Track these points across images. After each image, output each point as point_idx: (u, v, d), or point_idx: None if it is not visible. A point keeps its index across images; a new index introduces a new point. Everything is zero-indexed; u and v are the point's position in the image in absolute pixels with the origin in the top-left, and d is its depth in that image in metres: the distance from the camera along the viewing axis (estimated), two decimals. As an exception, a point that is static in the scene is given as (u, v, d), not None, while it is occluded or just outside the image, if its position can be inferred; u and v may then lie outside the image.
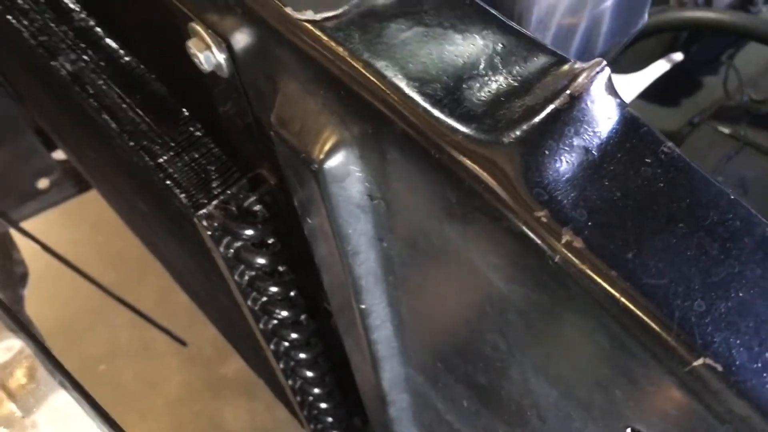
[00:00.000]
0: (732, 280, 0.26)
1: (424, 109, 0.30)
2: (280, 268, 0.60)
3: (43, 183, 1.43)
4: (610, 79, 0.29)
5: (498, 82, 0.30)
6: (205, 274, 0.72)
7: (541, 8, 0.39)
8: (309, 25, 0.33)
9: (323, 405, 0.81)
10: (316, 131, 0.37)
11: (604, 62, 0.29)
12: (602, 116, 0.29)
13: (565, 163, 0.28)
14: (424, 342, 0.50)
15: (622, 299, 0.26)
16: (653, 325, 0.26)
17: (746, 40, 1.26)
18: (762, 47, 0.98)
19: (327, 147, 0.36)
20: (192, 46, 0.43)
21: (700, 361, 0.25)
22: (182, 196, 0.53)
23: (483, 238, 0.31)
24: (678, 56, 1.25)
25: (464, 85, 0.30)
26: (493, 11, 0.32)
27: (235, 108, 0.48)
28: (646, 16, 0.50)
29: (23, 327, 0.42)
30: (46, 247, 1.39)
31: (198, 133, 0.57)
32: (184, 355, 1.81)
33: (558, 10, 0.40)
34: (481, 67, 0.31)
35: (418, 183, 0.33)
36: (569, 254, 0.27)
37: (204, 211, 0.52)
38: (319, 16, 0.33)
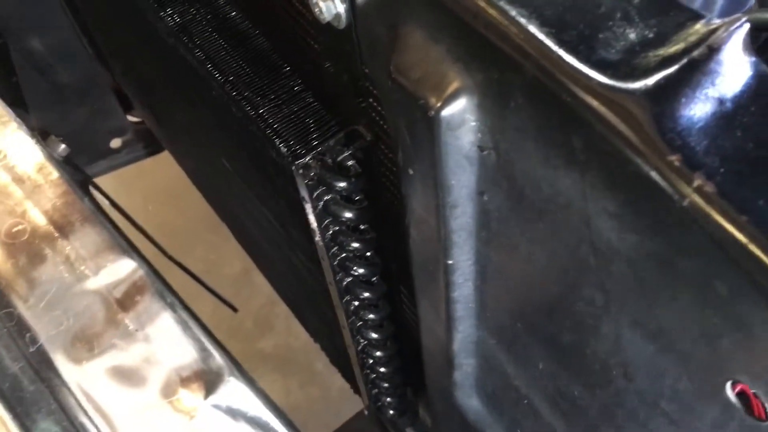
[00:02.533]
0: None
1: (559, 55, 0.31)
2: (363, 226, 0.62)
3: (115, 143, 1.48)
4: (748, 35, 0.30)
5: (635, 32, 0.31)
6: (285, 231, 0.74)
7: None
8: (446, -28, 0.35)
9: (382, 369, 0.83)
10: (437, 78, 0.38)
11: (744, 18, 0.29)
12: (738, 70, 0.29)
13: (699, 112, 0.29)
14: (506, 302, 0.51)
15: (750, 245, 0.27)
16: (780, 270, 0.26)
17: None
18: None
19: (447, 94, 0.38)
20: (315, -6, 0.45)
21: (827, 307, 0.26)
22: (281, 145, 0.55)
23: (604, 184, 0.32)
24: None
25: (600, 35, 0.31)
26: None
27: (343, 61, 0.50)
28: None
29: (135, 248, 0.45)
30: (114, 204, 1.43)
31: (298, 88, 0.59)
32: (224, 327, 1.84)
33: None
34: (618, 18, 0.32)
35: (540, 130, 0.34)
36: (699, 198, 0.28)
37: (302, 161, 0.54)
38: (456, -37, 0.34)
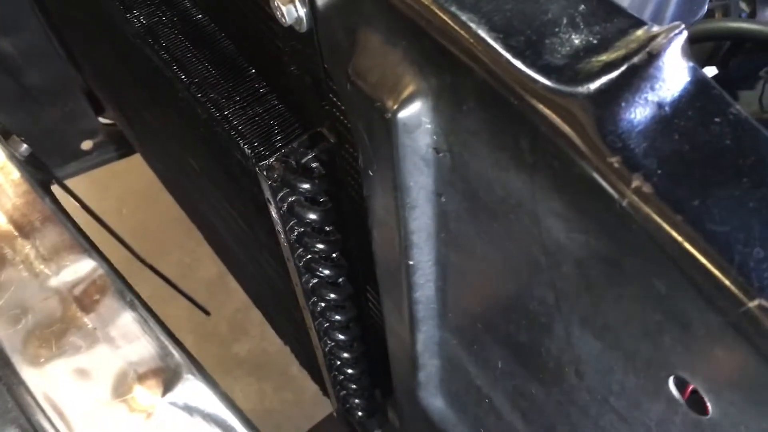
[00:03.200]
0: (790, 232, 0.27)
1: (507, 59, 0.32)
2: (327, 228, 0.63)
3: (86, 144, 1.47)
4: (686, 42, 0.31)
5: (578, 39, 0.32)
6: (252, 231, 0.74)
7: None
8: (400, -23, 0.35)
9: (350, 371, 0.83)
10: (393, 81, 0.39)
11: (683, 26, 0.31)
12: (677, 75, 0.31)
13: (638, 116, 0.30)
14: (466, 302, 0.52)
15: (685, 243, 0.28)
16: (713, 268, 0.27)
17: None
18: None
19: (402, 97, 0.39)
20: (276, -2, 0.45)
21: (756, 302, 0.27)
22: (245, 147, 0.56)
23: (551, 185, 0.33)
24: (711, 70, 1.26)
25: (546, 41, 0.32)
26: (575, -24, 0.34)
27: (306, 63, 0.51)
28: (705, 7, 0.52)
29: (95, 248, 0.45)
30: (85, 206, 1.43)
31: (263, 90, 0.59)
32: (199, 332, 1.84)
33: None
34: (563, 24, 0.33)
35: (491, 132, 0.35)
36: (637, 199, 0.29)
37: (266, 162, 0.54)
38: (410, -30, 0.35)
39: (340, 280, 0.68)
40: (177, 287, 1.69)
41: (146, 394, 0.39)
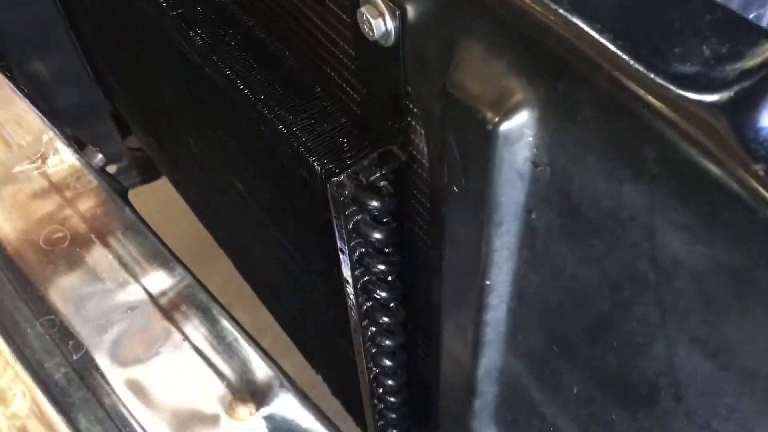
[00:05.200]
0: None
1: (635, 67, 0.32)
2: (388, 249, 0.62)
3: (110, 169, 1.46)
4: (822, 52, 0.30)
5: (708, 48, 0.32)
6: (302, 254, 0.73)
7: None
8: (515, -13, 0.35)
9: (392, 399, 0.81)
10: (497, 92, 0.39)
11: (819, 36, 0.30)
12: (814, 85, 0.30)
13: (779, 124, 0.29)
14: (542, 324, 0.51)
15: (837, 253, 0.27)
16: None
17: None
18: None
19: (506, 108, 0.38)
20: (365, 12, 0.45)
21: None
22: (315, 163, 0.55)
23: (675, 196, 0.33)
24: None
25: (675, 49, 0.32)
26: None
27: (385, 79, 0.50)
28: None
29: (178, 259, 0.44)
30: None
31: (330, 108, 0.59)
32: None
33: (732, 3, 0.42)
34: (690, 34, 0.32)
35: (608, 142, 0.35)
36: (785, 207, 0.28)
37: (337, 179, 0.54)
38: (527, -21, 0.35)
39: (395, 303, 0.67)
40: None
41: (240, 407, 0.38)
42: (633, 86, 0.32)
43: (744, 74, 0.30)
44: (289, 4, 0.58)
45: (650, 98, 0.31)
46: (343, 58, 0.55)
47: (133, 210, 0.49)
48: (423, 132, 0.51)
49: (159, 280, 0.44)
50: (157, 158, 1.27)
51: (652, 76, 0.31)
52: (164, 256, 0.45)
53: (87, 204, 0.45)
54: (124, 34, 0.93)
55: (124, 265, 0.43)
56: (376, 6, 0.45)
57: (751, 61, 0.31)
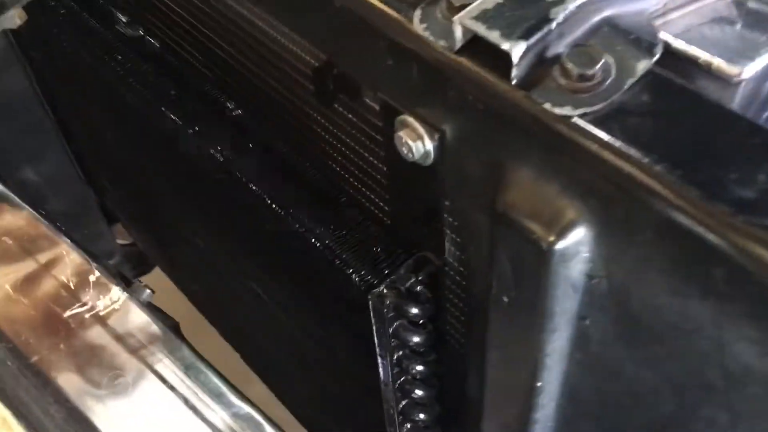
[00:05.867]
0: None
1: (696, 195, 0.33)
2: (423, 349, 0.63)
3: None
4: None
5: (762, 173, 0.34)
6: (332, 356, 0.73)
7: (740, 104, 0.43)
8: (568, 120, 0.37)
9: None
10: (551, 212, 0.40)
11: None
12: None
13: None
14: (599, 420, 0.52)
15: None
16: None
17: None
18: None
19: (561, 227, 0.40)
20: (404, 136, 0.47)
21: None
22: (353, 275, 0.56)
23: (746, 313, 0.34)
24: None
25: (731, 176, 0.34)
26: (736, 111, 0.36)
27: (423, 195, 0.52)
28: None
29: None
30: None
31: (360, 217, 0.60)
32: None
33: (751, 108, 0.44)
34: (741, 160, 0.34)
35: (673, 263, 0.36)
36: None
37: (377, 290, 0.54)
38: (578, 112, 0.37)
39: (430, 402, 0.67)
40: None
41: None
42: (696, 213, 0.33)
43: (802, 198, 0.32)
44: (314, 118, 0.60)
45: (715, 224, 0.33)
46: (373, 173, 0.57)
47: (190, 346, 0.49)
48: (458, 239, 0.53)
49: (225, 420, 0.44)
50: (154, 255, 1.26)
51: (713, 201, 0.33)
52: (226, 394, 0.45)
53: (143, 343, 0.45)
54: (124, 141, 0.93)
55: (192, 408, 0.43)
56: (414, 129, 0.47)
57: (806, 185, 0.33)
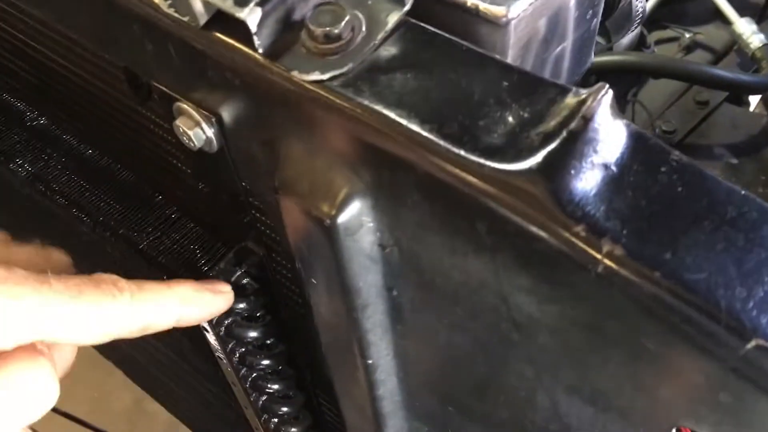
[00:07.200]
0: (763, 266, 0.28)
1: (447, 148, 0.32)
2: (269, 341, 0.60)
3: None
4: (614, 100, 0.31)
5: (511, 115, 0.32)
6: (185, 360, 0.70)
7: (518, 45, 0.42)
8: (317, 86, 0.35)
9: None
10: (325, 187, 0.38)
11: (607, 85, 0.31)
12: (613, 133, 0.31)
13: (590, 180, 0.30)
14: (434, 388, 0.51)
15: (668, 297, 0.28)
16: (702, 317, 0.27)
17: (646, 78, 1.35)
18: (662, 82, 1.05)
19: (338, 200, 0.37)
20: (181, 124, 0.43)
21: (753, 343, 0.27)
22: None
23: (516, 263, 0.33)
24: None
25: (480, 123, 0.32)
26: (490, 54, 0.35)
27: (220, 181, 0.49)
28: (592, 56, 0.54)
29: None
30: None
31: (174, 215, 0.56)
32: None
33: (532, 47, 0.43)
34: (492, 104, 0.33)
35: (442, 221, 0.34)
36: (611, 263, 0.28)
37: (196, 289, 0.51)
38: (326, 76, 0.35)
39: (291, 392, 0.64)
40: (91, 425, 1.57)
41: None
42: (447, 166, 0.32)
43: (547, 137, 0.31)
44: (110, 113, 0.56)
45: (466, 176, 0.31)
46: (175, 162, 0.53)
47: None
48: (269, 223, 0.50)
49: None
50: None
51: (462, 153, 0.31)
52: None
53: None
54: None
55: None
56: (191, 117, 0.43)
57: (551, 123, 0.31)
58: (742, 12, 0.87)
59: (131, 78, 0.50)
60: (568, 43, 0.48)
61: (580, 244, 0.29)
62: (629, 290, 0.29)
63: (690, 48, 1.05)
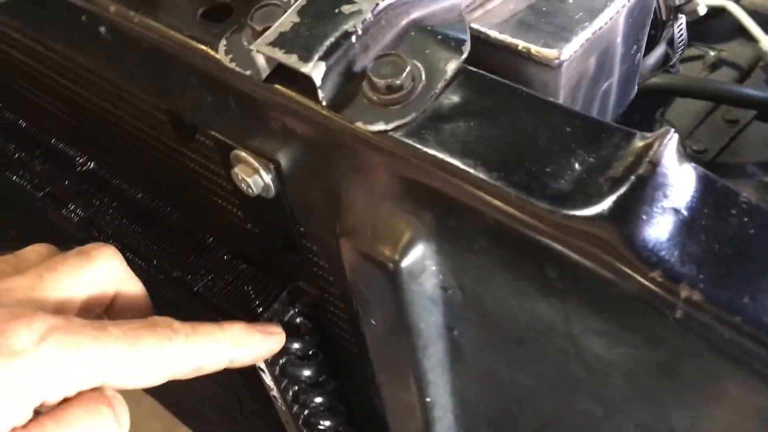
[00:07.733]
0: (842, 307, 0.28)
1: (516, 196, 0.32)
2: (321, 379, 0.60)
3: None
4: (679, 143, 0.32)
5: (577, 161, 0.33)
6: (236, 399, 0.70)
7: (569, 85, 0.42)
8: (382, 136, 0.35)
9: None
10: (388, 233, 0.38)
11: (672, 129, 0.32)
12: (681, 178, 0.31)
13: (662, 225, 0.30)
14: (492, 425, 0.51)
15: (749, 342, 0.28)
16: (784, 360, 0.27)
17: (673, 97, 1.34)
18: (689, 101, 1.04)
19: (401, 245, 0.38)
20: (239, 172, 0.44)
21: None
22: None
23: (586, 307, 0.33)
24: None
25: (547, 169, 0.33)
26: (551, 99, 0.35)
27: (275, 225, 0.50)
28: (636, 87, 0.55)
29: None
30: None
31: (227, 257, 0.57)
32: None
33: (582, 86, 0.44)
34: (557, 150, 0.33)
35: (509, 266, 0.35)
36: (691, 308, 0.29)
37: (252, 331, 0.52)
38: (390, 126, 0.35)
39: (341, 428, 0.65)
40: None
41: None
42: (518, 214, 0.32)
43: (616, 183, 0.31)
44: (167, 161, 0.57)
45: (537, 222, 0.32)
46: (229, 207, 0.54)
47: None
48: (324, 265, 0.51)
49: None
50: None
51: (532, 200, 0.32)
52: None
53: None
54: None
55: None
56: (249, 164, 0.44)
57: (618, 168, 0.32)
58: (766, 28, 0.87)
59: (174, 119, 0.51)
60: (614, 79, 0.48)
61: (658, 290, 0.29)
62: (709, 335, 0.29)
63: (715, 66, 1.04)
